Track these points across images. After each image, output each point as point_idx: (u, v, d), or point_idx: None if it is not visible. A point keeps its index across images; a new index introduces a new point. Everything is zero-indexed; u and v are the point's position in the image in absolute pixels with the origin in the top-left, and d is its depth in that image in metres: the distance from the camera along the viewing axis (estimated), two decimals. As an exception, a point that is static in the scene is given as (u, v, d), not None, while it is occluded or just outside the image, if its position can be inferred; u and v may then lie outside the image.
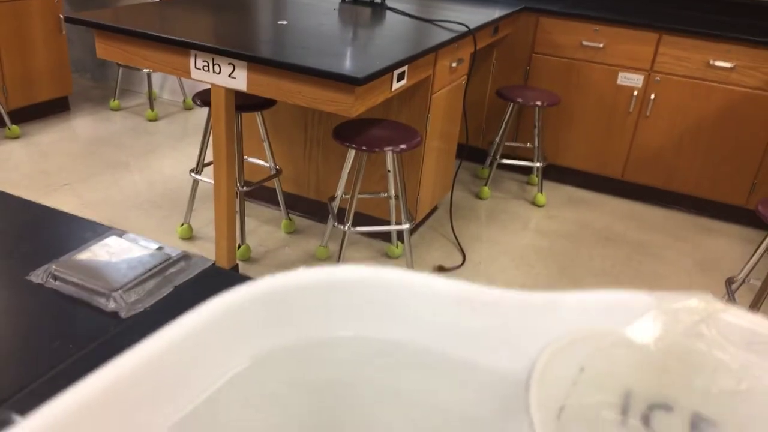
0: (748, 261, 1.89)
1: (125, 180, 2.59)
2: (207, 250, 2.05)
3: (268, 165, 2.23)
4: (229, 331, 0.23)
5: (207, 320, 0.22)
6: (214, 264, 0.81)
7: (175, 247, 0.79)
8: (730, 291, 1.94)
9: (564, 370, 0.25)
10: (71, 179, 2.54)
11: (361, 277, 0.27)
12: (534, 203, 2.75)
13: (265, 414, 0.25)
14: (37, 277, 0.73)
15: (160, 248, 0.83)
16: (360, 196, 2.05)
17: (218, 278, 0.77)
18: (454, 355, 0.26)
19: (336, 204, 2.09)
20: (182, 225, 2.17)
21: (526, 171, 3.00)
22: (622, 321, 0.25)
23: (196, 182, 2.14)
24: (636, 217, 2.74)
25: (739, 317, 0.24)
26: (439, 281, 0.27)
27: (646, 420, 0.26)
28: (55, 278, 0.73)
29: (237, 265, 1.97)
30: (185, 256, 0.81)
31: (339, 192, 2.07)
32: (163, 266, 0.80)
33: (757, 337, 0.24)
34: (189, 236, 2.19)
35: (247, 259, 2.11)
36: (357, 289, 0.26)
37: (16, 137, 2.86)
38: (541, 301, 0.26)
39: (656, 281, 2.28)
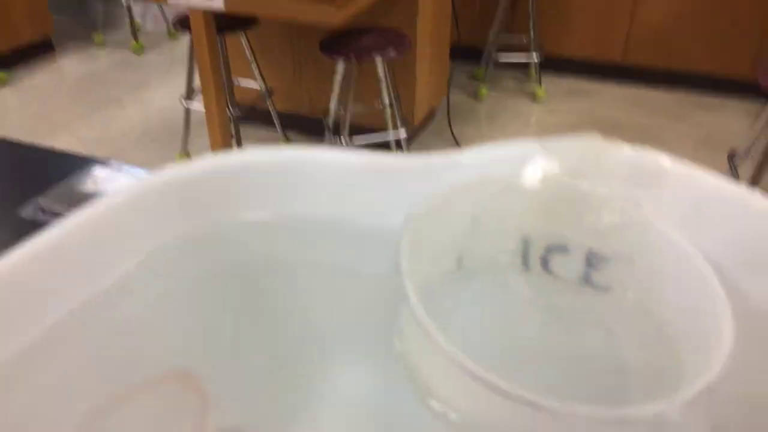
0: (750, 134, 1.85)
1: (119, 116, 2.58)
2: (208, 178, 2.07)
3: (258, 87, 2.20)
4: (124, 225, 0.24)
5: (95, 216, 0.23)
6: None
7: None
8: (732, 165, 1.92)
9: (457, 221, 0.26)
10: (65, 120, 2.54)
11: (265, 160, 0.27)
12: (534, 98, 2.69)
13: (177, 303, 0.27)
14: (26, 212, 0.74)
15: (144, 174, 0.84)
16: (354, 108, 2.02)
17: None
18: (364, 223, 0.27)
19: (331, 119, 2.07)
20: (179, 155, 2.18)
21: (525, 66, 2.90)
22: (513, 168, 0.26)
23: (188, 110, 2.12)
24: (638, 102, 2.67)
25: (622, 154, 0.25)
26: (343, 154, 0.28)
27: (545, 263, 0.27)
28: (44, 211, 0.74)
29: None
30: (170, 179, 0.82)
31: (332, 106, 2.05)
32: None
33: (639, 171, 0.24)
34: (189, 166, 2.20)
35: (249, 183, 2.12)
36: (262, 171, 0.27)
37: (4, 83, 2.83)
38: (440, 161, 0.27)
39: (660, 165, 2.26)
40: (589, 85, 2.78)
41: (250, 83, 2.25)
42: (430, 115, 2.51)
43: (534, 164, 0.25)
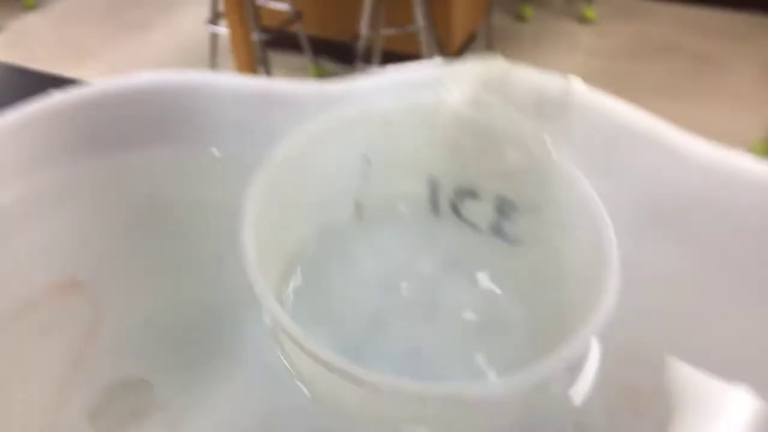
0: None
1: (148, 40, 2.56)
2: (236, 105, 2.04)
3: (287, 8, 2.12)
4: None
5: None
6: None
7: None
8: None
9: (345, 161, 0.23)
10: (93, 45, 2.54)
11: (155, 85, 0.24)
12: (583, 19, 2.50)
13: (49, 247, 0.25)
14: None
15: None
16: (386, 31, 1.93)
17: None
18: (257, 158, 0.24)
19: (361, 43, 1.98)
20: (210, 81, 2.15)
21: (575, -17, 2.69)
22: (411, 97, 0.22)
23: (215, 35, 2.08)
24: (697, 24, 2.45)
25: (528, 78, 0.20)
26: (238, 79, 0.24)
27: (455, 210, 0.23)
28: None
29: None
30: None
31: (363, 29, 1.96)
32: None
33: (547, 99, 0.20)
34: (218, 92, 2.17)
35: (278, 110, 2.10)
36: (153, 98, 0.24)
37: (33, 7, 2.83)
38: (337, 90, 0.23)
39: (719, 92, 2.09)
40: (644, 5, 2.56)
41: (278, 5, 2.17)
42: (469, 40, 2.38)
43: (433, 93, 0.21)
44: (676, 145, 0.18)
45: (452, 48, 2.17)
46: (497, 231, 0.23)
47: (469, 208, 0.23)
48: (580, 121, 0.20)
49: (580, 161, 0.19)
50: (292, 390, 0.25)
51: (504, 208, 0.22)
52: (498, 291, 0.23)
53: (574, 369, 0.18)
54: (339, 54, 2.32)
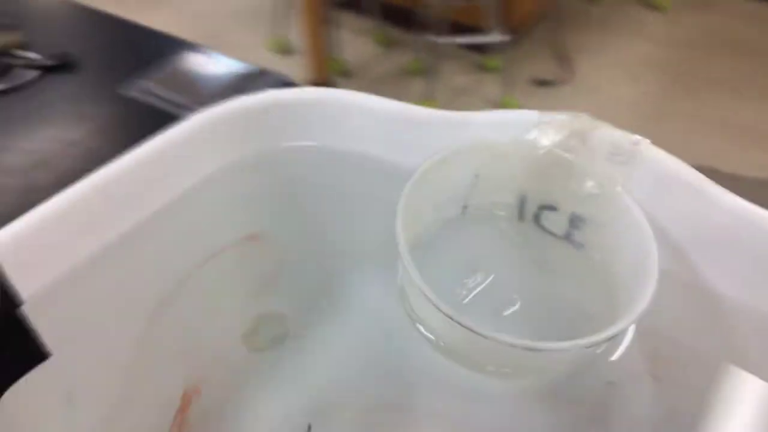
0: None
1: (224, -7, 2.62)
2: (303, 65, 2.11)
3: (359, -28, 2.15)
4: (201, 143, 0.30)
5: (182, 134, 0.30)
6: (288, 80, 0.86)
7: (256, 64, 0.85)
8: None
9: (461, 176, 0.30)
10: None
11: (315, 98, 0.32)
12: (655, 6, 2.45)
13: (236, 209, 0.34)
14: (128, 91, 0.81)
15: (236, 64, 0.88)
16: (454, 2, 1.95)
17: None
18: (390, 161, 0.32)
19: (429, 13, 2.01)
20: (276, 38, 2.22)
21: (652, -33, 2.61)
22: (514, 134, 0.29)
23: (285, -9, 2.12)
24: (775, 21, 2.37)
25: (606, 134, 0.27)
26: (380, 101, 0.32)
27: (537, 219, 0.31)
28: (146, 93, 0.81)
29: (328, 81, 2.03)
30: (261, 73, 0.87)
31: (431, -2, 1.98)
32: (241, 82, 0.86)
33: (618, 150, 0.27)
34: (285, 49, 2.24)
35: (343, 73, 2.16)
36: (314, 107, 0.32)
37: None
38: (458, 118, 0.30)
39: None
40: (723, -4, 2.48)
41: (351, -32, 2.20)
42: (539, 18, 2.37)
43: (531, 134, 0.28)
44: (712, 192, 0.25)
45: (518, 25, 2.17)
46: (567, 237, 0.30)
47: (548, 217, 0.30)
48: (642, 168, 0.27)
49: (639, 196, 0.26)
50: (395, 333, 0.34)
51: (576, 221, 0.29)
52: (562, 280, 0.31)
53: (612, 342, 0.25)
54: (405, 21, 2.35)
